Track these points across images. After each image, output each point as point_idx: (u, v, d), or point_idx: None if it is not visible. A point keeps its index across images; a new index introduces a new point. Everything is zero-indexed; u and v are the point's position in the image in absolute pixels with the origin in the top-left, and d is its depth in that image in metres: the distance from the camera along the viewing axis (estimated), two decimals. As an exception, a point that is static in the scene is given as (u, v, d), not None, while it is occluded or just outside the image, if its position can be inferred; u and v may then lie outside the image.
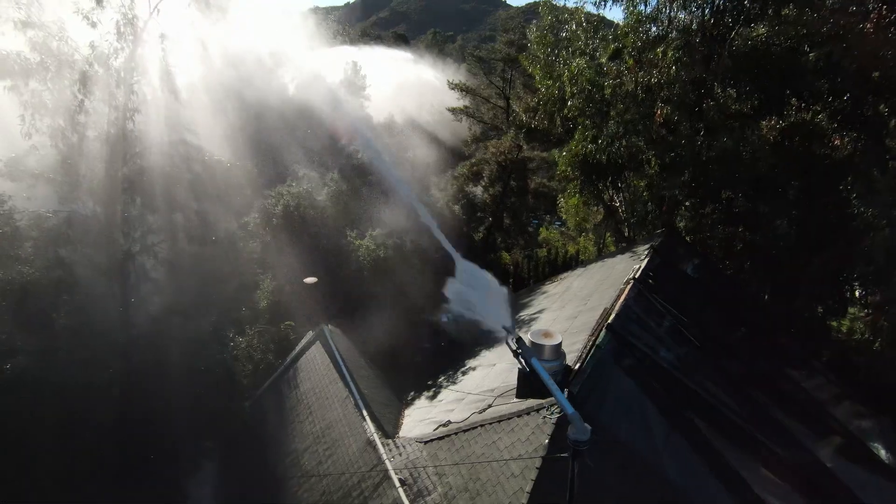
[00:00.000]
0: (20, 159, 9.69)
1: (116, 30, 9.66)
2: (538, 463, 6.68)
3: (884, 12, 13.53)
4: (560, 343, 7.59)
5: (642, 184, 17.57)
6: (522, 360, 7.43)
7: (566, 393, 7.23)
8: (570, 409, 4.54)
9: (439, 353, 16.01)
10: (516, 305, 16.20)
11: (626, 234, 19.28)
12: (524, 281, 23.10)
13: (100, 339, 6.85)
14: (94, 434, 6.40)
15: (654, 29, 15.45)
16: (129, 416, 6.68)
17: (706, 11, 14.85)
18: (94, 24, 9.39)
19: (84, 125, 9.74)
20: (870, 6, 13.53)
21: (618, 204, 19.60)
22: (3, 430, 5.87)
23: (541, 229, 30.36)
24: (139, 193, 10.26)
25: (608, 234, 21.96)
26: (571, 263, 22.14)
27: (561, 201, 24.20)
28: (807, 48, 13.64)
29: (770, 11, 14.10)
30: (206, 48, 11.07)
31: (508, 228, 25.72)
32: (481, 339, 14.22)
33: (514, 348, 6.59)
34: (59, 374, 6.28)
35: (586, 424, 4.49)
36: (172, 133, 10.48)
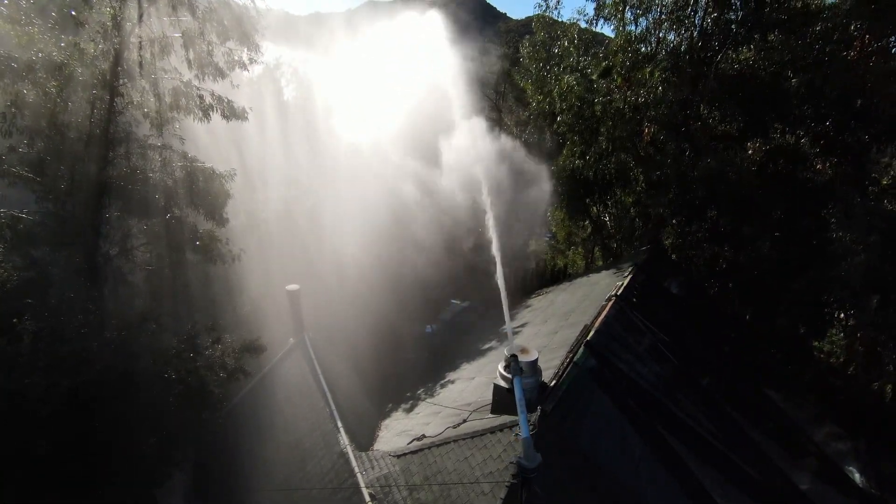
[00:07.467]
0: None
1: (102, 31, 9.63)
2: (508, 481, 6.61)
3: (867, 41, 13.85)
4: (536, 359, 7.55)
5: (630, 200, 17.69)
6: (507, 376, 7.50)
7: (539, 410, 7.20)
8: (525, 434, 4.46)
9: (421, 365, 15.95)
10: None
11: (614, 248, 19.38)
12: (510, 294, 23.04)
13: (66, 344, 6.71)
14: (56, 443, 6.23)
15: (643, 49, 15.63)
16: (93, 424, 6.53)
17: (694, 34, 15.09)
18: (80, 24, 9.35)
19: (66, 126, 9.65)
20: (853, 34, 13.81)
21: (606, 219, 19.70)
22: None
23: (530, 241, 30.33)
24: (120, 196, 10.17)
25: (597, 249, 22.03)
26: (560, 277, 22.15)
27: (550, 214, 24.29)
28: (790, 74, 13.88)
29: (756, 36, 14.38)
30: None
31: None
32: (463, 352, 14.17)
33: (506, 364, 6.79)
34: (20, 382, 6.13)
35: (538, 454, 4.39)
36: (159, 138, 10.41)
